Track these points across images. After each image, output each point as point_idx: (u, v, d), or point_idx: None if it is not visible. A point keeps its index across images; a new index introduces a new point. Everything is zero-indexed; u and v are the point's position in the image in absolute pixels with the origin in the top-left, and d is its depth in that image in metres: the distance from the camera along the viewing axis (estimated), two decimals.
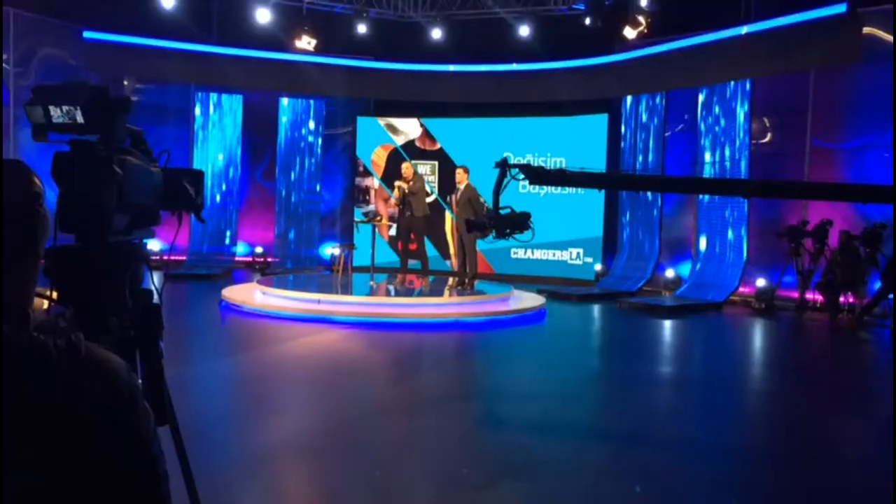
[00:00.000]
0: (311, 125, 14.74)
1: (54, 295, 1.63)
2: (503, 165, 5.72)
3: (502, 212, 5.70)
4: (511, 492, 3.93)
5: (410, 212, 10.65)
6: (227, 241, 14.29)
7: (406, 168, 10.91)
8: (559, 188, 13.14)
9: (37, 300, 1.56)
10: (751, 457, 4.65)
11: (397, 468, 4.21)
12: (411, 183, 10.65)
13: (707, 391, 6.31)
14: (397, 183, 10.86)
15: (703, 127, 12.15)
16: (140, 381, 1.74)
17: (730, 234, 11.73)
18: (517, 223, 5.61)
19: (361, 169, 14.78)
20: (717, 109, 11.95)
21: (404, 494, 3.87)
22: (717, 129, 11.92)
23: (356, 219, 13.86)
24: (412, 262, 11.22)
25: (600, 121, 13.42)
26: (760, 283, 11.02)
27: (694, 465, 4.39)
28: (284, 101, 14.57)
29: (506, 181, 5.69)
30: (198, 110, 14.26)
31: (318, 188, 14.79)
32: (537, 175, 6.04)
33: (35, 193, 0.94)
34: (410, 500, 3.86)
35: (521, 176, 5.71)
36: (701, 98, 12.17)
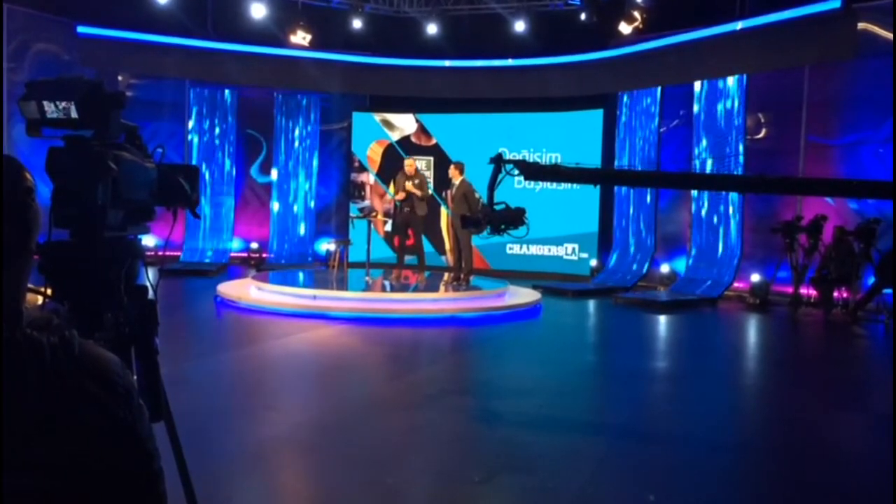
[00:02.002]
0: (307, 121, 14.70)
1: (48, 291, 1.63)
2: (498, 161, 5.71)
3: (497, 207, 5.70)
4: (508, 486, 3.94)
5: (410, 208, 10.61)
6: (223, 236, 14.26)
7: (410, 165, 10.85)
8: (554, 183, 13.16)
9: (31, 296, 1.55)
10: (746, 452, 4.67)
11: (394, 464, 4.21)
12: (416, 182, 10.61)
13: (702, 386, 6.32)
14: (408, 185, 10.76)
15: (698, 122, 12.16)
16: (135, 377, 1.74)
17: (724, 229, 11.76)
18: (512, 219, 5.60)
19: (357, 165, 14.76)
20: (712, 105, 11.96)
21: (402, 490, 3.87)
22: (712, 124, 11.94)
23: (352, 214, 13.84)
24: (408, 258, 11.22)
25: (595, 116, 13.42)
26: (755, 278, 11.05)
27: (689, 460, 4.40)
28: (279, 96, 14.53)
29: (500, 177, 5.68)
30: (192, 106, 14.20)
31: (313, 184, 14.76)
32: (532, 171, 6.02)
33: (26, 189, 0.93)
34: (409, 495, 3.86)
35: (516, 172, 5.70)
36: (696, 94, 12.18)
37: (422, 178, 10.80)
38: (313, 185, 14.77)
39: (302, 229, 14.67)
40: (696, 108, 12.19)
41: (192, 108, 14.18)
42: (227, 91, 14.25)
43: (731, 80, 11.66)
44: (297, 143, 14.67)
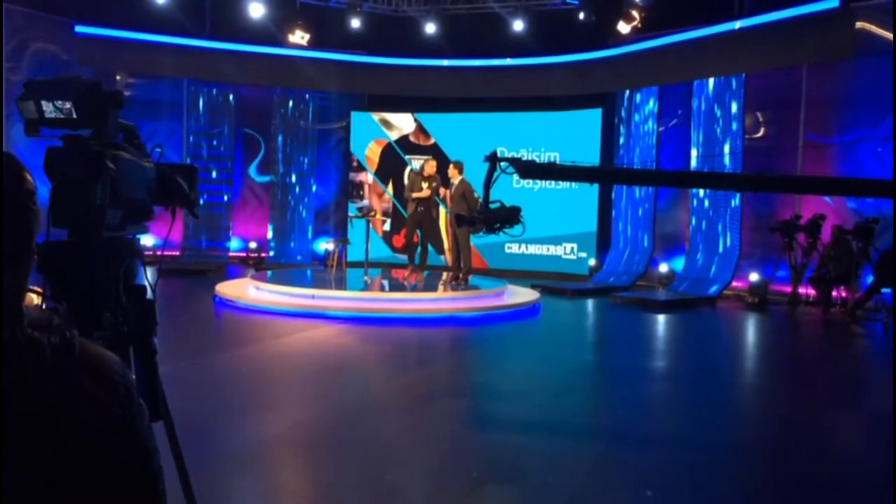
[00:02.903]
0: (305, 120, 14.68)
1: (47, 291, 1.62)
2: (492, 159, 5.66)
3: (492, 206, 5.66)
4: (497, 494, 3.93)
5: (426, 208, 10.54)
6: (221, 236, 14.25)
7: (432, 166, 10.77)
8: (553, 183, 13.16)
9: (29, 295, 1.55)
10: (744, 451, 4.67)
11: (391, 464, 4.21)
12: (434, 184, 10.52)
13: (699, 386, 6.32)
14: (442, 191, 10.64)
15: (696, 122, 12.16)
16: (134, 377, 1.73)
17: (723, 228, 11.76)
18: (507, 217, 5.54)
19: (355, 164, 14.76)
20: (710, 104, 11.96)
21: (396, 491, 3.87)
22: (710, 123, 11.94)
23: (350, 214, 13.84)
24: (406, 258, 11.21)
25: (594, 115, 13.43)
26: (754, 277, 11.06)
27: (685, 461, 4.40)
28: (278, 95, 14.52)
29: (495, 175, 5.63)
30: (191, 105, 14.19)
31: (312, 183, 14.76)
32: (527, 169, 5.96)
33: (27, 191, 0.93)
34: (401, 498, 3.86)
35: (511, 170, 5.65)
36: (694, 93, 12.18)
37: (438, 181, 10.71)
38: (312, 185, 14.74)
39: (300, 229, 14.64)
40: (694, 108, 12.19)
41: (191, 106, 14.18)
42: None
43: (730, 80, 11.66)
44: (295, 143, 14.63)
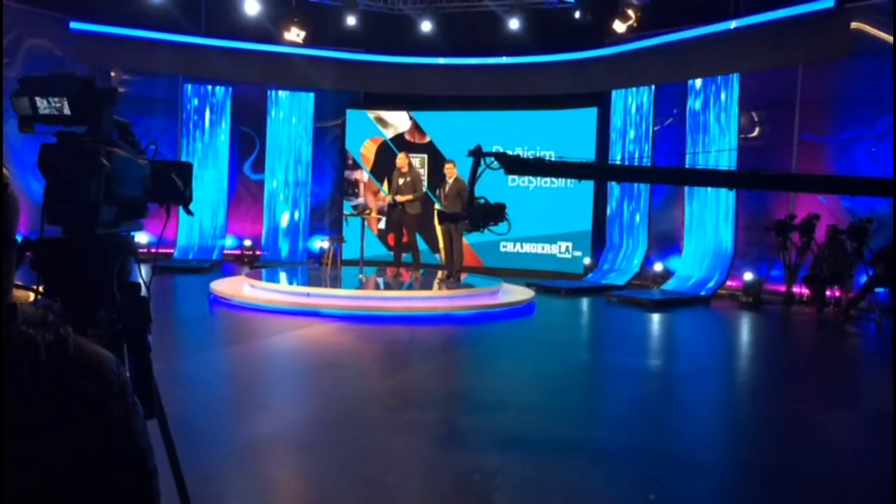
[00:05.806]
0: (301, 118, 14.66)
1: (40, 288, 1.62)
2: (477, 154, 5.59)
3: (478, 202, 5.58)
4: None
5: (402, 206, 10.52)
6: (216, 234, 14.22)
7: (402, 160, 10.71)
8: (548, 181, 13.16)
9: (23, 293, 1.54)
10: (740, 450, 4.67)
11: (388, 464, 4.21)
12: (408, 180, 10.46)
13: (691, 386, 6.33)
14: (398, 198, 10.54)
15: (691, 120, 12.19)
16: (128, 374, 1.73)
17: (718, 227, 11.78)
18: (491, 214, 5.43)
19: (350, 162, 14.74)
20: (706, 103, 11.98)
21: (391, 490, 3.87)
22: (705, 122, 11.96)
23: (345, 212, 13.83)
24: (406, 256, 11.19)
25: (590, 114, 13.43)
26: (748, 276, 11.09)
27: (672, 474, 4.40)
28: (274, 93, 14.49)
29: (480, 170, 5.56)
30: (185, 102, 14.15)
31: (307, 181, 14.73)
32: (513, 164, 5.83)
33: (2, 184, 0.91)
34: (400, 495, 3.86)
35: (497, 165, 5.56)
36: (690, 92, 12.20)
37: (415, 176, 10.65)
38: (307, 183, 14.71)
39: (295, 227, 14.62)
40: (689, 107, 12.21)
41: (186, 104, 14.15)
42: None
43: (725, 79, 11.69)
44: (290, 140, 14.61)
